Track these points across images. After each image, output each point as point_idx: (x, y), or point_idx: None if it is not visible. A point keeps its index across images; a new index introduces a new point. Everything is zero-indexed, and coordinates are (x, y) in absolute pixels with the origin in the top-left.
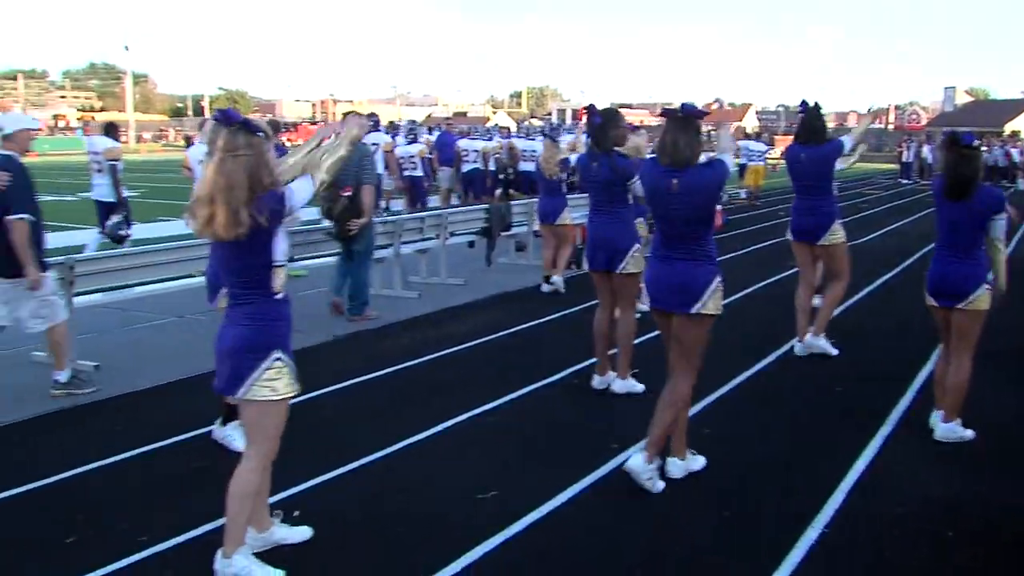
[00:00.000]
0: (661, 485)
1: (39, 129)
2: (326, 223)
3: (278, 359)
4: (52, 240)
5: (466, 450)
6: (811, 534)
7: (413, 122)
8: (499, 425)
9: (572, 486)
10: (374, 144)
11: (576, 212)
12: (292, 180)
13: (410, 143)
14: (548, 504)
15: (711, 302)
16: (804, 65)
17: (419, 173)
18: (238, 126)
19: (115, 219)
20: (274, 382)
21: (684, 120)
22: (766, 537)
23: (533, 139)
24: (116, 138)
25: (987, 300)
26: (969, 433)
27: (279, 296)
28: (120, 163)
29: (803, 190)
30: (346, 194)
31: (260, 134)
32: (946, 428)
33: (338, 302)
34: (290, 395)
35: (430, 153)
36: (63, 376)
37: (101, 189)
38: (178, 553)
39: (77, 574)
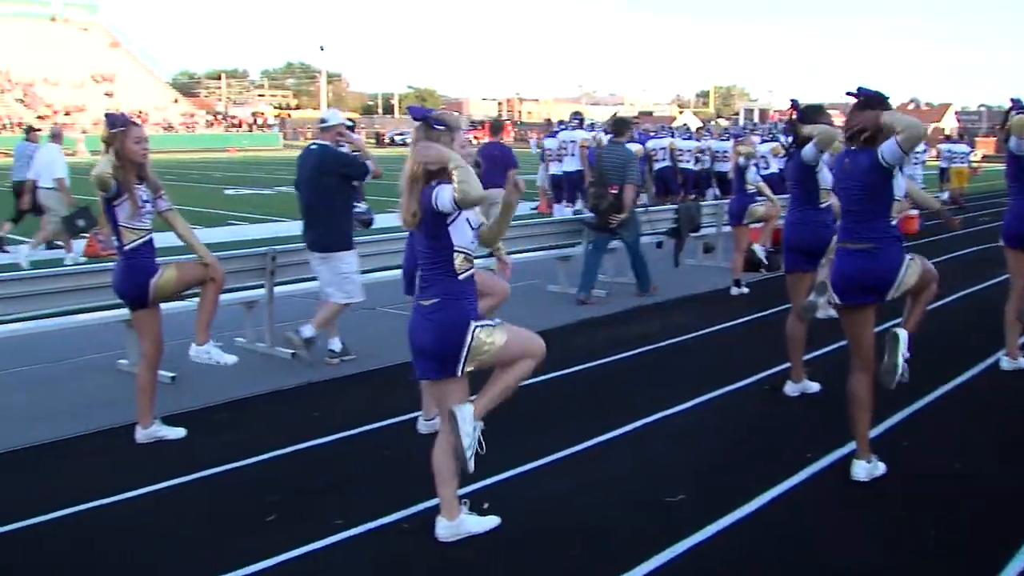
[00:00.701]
0: (882, 468)
1: (351, 126)
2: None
3: (477, 328)
4: (254, 231)
5: (654, 452)
6: (1018, 563)
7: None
8: (688, 428)
9: (763, 494)
10: (572, 141)
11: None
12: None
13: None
14: (738, 512)
15: (908, 278)
16: (1011, 64)
17: None
18: (422, 121)
19: (362, 206)
20: (485, 342)
21: (862, 103)
22: (967, 562)
23: (725, 139)
24: (356, 133)
25: None
26: None
27: (462, 276)
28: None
29: (1010, 191)
30: (613, 192)
31: (440, 127)
32: None
33: (583, 298)
34: (503, 339)
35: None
36: (336, 346)
37: None
38: (374, 537)
39: (277, 552)
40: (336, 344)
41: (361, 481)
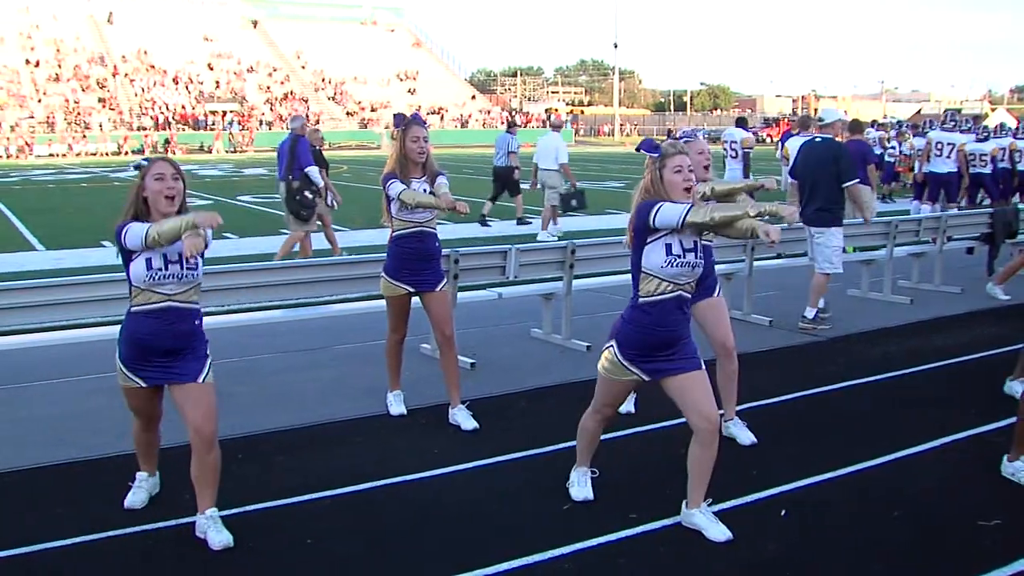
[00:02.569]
0: None
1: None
2: None
3: (610, 346)
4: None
5: (965, 470)
6: None
7: (1002, 125)
8: (1002, 449)
9: None
10: (949, 143)
11: None
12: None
13: (980, 141)
14: None
15: None
16: None
17: (987, 171)
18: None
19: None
20: (601, 359)
21: None
22: None
23: None
24: (747, 129)
25: None
26: None
27: (640, 301)
28: (751, 151)
29: None
30: None
31: (653, 154)
32: None
33: None
34: (606, 374)
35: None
36: (810, 314)
37: (733, 173)
38: (670, 533)
39: (574, 540)
40: (809, 312)
41: (655, 477)
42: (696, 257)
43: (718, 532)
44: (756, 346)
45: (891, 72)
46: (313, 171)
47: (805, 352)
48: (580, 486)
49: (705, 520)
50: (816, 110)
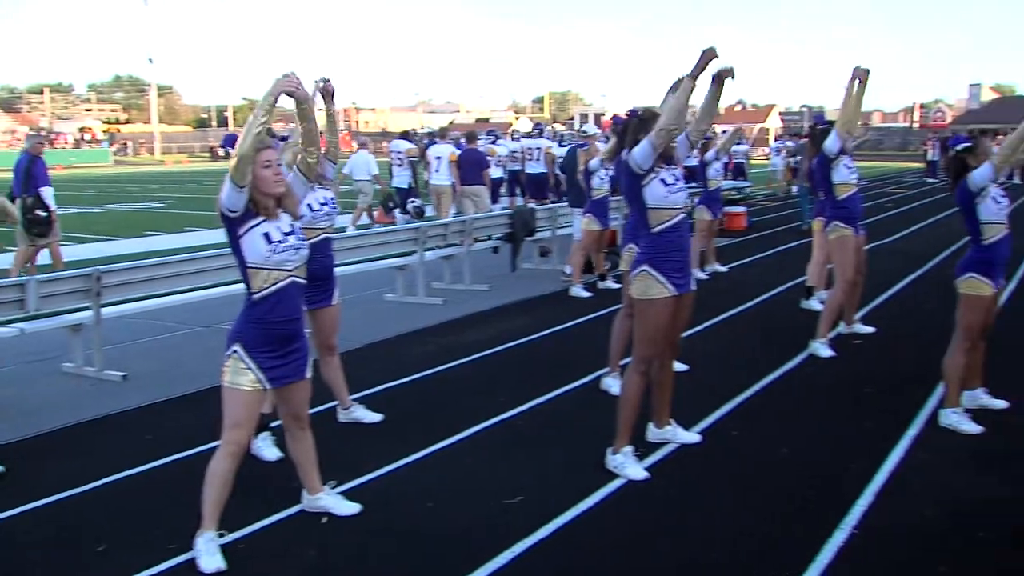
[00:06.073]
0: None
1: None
2: None
3: (233, 351)
4: (80, 251)
5: (493, 455)
6: (839, 536)
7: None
8: (526, 430)
9: (600, 491)
10: (537, 148)
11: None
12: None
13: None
14: (575, 509)
15: None
16: (827, 65)
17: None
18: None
19: (416, 201)
20: (226, 371)
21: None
22: (792, 540)
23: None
24: (411, 142)
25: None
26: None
27: (255, 297)
28: (416, 159)
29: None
30: None
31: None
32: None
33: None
34: (236, 387)
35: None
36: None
37: (401, 179)
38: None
39: None
40: (568, 268)
41: (196, 502)
42: (298, 239)
43: (348, 508)
44: None
45: (425, 84)
46: (48, 192)
47: (344, 360)
48: (209, 555)
49: (329, 502)
50: (357, 122)
